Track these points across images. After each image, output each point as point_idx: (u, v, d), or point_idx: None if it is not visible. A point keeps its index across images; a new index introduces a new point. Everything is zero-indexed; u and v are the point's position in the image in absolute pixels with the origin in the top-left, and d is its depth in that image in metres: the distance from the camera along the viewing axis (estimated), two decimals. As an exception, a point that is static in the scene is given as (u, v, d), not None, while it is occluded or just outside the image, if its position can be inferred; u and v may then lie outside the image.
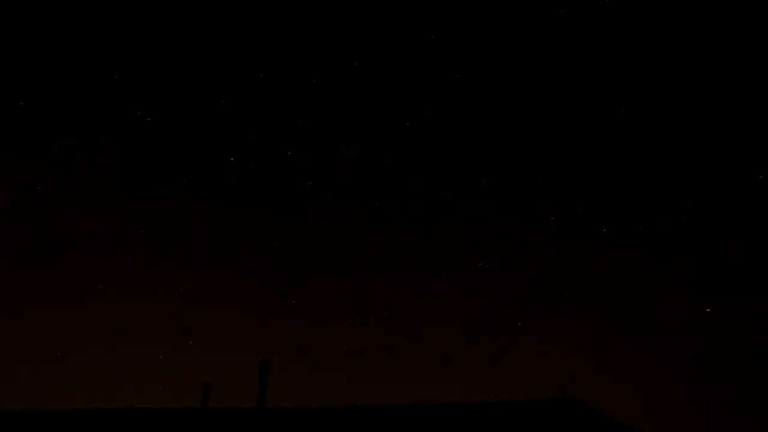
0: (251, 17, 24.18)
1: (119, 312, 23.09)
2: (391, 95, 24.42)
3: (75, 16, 23.76)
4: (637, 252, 23.63)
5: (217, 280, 23.67)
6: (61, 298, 23.21)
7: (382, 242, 24.02)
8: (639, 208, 23.79)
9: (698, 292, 23.01)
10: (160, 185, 24.05)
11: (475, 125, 24.63)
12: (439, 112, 24.59)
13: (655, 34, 23.84)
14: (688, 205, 23.59)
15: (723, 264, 23.21)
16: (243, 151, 24.34)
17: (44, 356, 22.58)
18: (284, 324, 23.35)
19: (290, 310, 23.57)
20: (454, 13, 24.09)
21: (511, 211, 24.00)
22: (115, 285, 23.44)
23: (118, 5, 23.99)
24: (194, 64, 24.19)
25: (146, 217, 23.84)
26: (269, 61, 24.28)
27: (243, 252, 24.04)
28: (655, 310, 23.25)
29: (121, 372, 22.29)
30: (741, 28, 23.44)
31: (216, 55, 24.33)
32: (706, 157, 23.70)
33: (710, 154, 23.72)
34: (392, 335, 23.34)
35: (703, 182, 23.65)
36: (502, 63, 24.17)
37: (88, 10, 23.83)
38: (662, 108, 23.95)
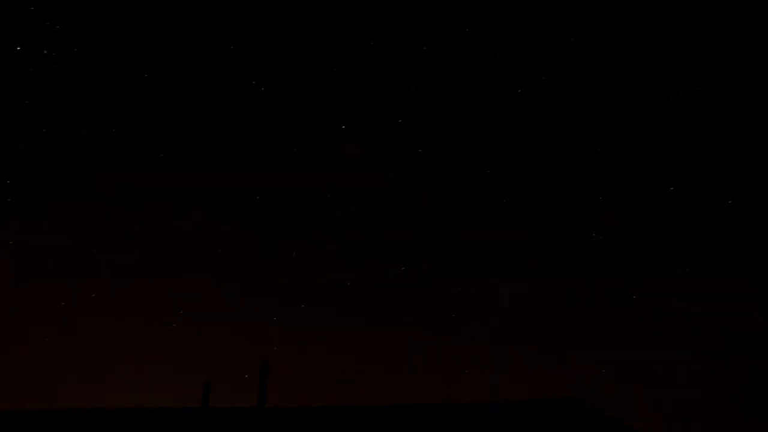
0: (250, 17, 24.18)
1: (118, 312, 23.09)
2: (391, 94, 24.43)
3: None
4: (636, 252, 23.65)
5: (217, 280, 23.69)
6: (59, 297, 23.21)
7: (381, 242, 24.06)
8: (636, 210, 23.81)
9: (697, 293, 23.03)
10: (159, 186, 24.03)
11: (474, 124, 24.65)
12: (439, 111, 24.61)
13: (655, 34, 23.84)
14: (687, 205, 23.60)
15: (719, 265, 23.23)
16: (243, 151, 24.36)
17: (44, 356, 22.58)
18: (284, 324, 23.36)
19: (291, 310, 23.59)
20: (453, 13, 24.09)
21: (513, 210, 24.01)
22: (114, 285, 23.44)
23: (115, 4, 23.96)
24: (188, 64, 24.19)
25: (146, 217, 23.84)
26: (267, 61, 24.30)
27: (243, 251, 24.05)
28: (653, 310, 23.27)
29: (120, 372, 22.30)
30: (741, 28, 23.44)
31: (215, 55, 24.35)
32: (705, 157, 23.72)
33: (710, 155, 23.74)
34: (392, 335, 23.35)
35: (702, 184, 23.66)
36: (502, 63, 24.18)
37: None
38: (662, 108, 23.97)
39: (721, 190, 23.47)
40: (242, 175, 24.15)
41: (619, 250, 23.63)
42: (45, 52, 22.19)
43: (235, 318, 23.22)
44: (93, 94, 23.90)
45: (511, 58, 24.12)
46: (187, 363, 22.21)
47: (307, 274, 23.85)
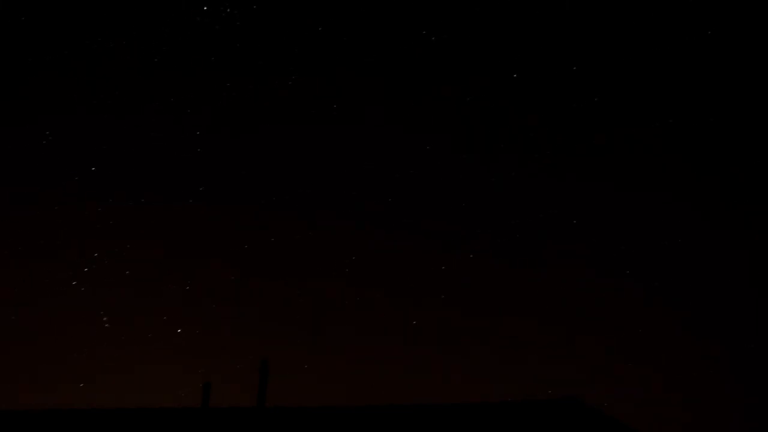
0: (251, 16, 24.21)
1: (118, 311, 23.10)
2: (392, 92, 24.46)
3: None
4: (635, 252, 23.66)
5: (217, 280, 23.70)
6: (58, 297, 23.21)
7: (381, 243, 24.07)
8: (633, 211, 23.83)
9: (696, 294, 23.06)
10: (161, 185, 24.04)
11: (474, 122, 24.68)
12: (439, 110, 24.63)
13: (656, 34, 23.87)
14: (684, 208, 23.62)
15: (715, 267, 23.28)
16: (244, 149, 24.36)
17: (43, 356, 22.60)
18: (284, 324, 23.38)
19: (291, 309, 23.61)
20: (453, 13, 24.11)
21: (514, 209, 24.04)
22: (114, 284, 23.44)
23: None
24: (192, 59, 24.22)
25: (146, 216, 23.84)
26: (267, 59, 24.32)
27: (243, 252, 24.05)
28: (651, 310, 23.30)
29: (120, 372, 22.32)
30: (742, 31, 23.46)
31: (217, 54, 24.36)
32: (708, 158, 23.76)
33: (712, 156, 23.78)
34: (392, 335, 23.38)
35: (702, 186, 23.68)
36: (502, 63, 24.19)
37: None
38: (661, 108, 23.99)
39: (717, 192, 23.54)
40: (240, 174, 24.17)
41: (618, 250, 23.68)
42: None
43: (235, 317, 23.27)
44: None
45: (510, 58, 24.17)
46: (187, 363, 22.25)
47: (309, 273, 23.90)
